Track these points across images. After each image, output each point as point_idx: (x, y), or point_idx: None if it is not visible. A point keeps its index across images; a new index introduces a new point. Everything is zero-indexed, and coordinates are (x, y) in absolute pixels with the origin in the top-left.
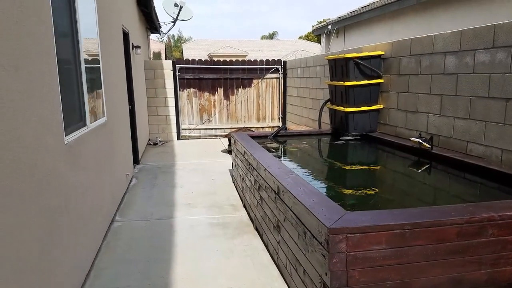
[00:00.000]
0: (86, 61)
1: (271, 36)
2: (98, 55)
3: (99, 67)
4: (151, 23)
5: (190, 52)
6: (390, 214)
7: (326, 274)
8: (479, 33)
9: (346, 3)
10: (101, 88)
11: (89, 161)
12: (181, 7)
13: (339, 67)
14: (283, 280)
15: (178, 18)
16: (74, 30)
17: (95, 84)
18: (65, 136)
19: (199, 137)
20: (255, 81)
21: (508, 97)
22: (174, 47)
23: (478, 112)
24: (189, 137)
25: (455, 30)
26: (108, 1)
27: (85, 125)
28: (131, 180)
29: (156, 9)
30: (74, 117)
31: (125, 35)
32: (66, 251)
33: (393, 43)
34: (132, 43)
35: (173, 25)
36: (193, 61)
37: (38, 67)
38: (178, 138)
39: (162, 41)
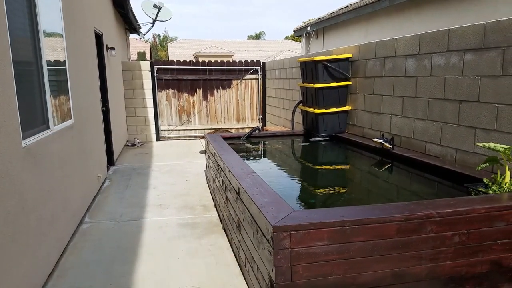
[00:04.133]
0: (50, 63)
1: (258, 36)
2: (64, 57)
3: (65, 69)
4: (129, 24)
5: (176, 52)
6: (333, 212)
7: (272, 270)
8: (436, 37)
9: (332, 4)
10: (68, 90)
11: (53, 164)
12: (160, 8)
13: (309, 70)
14: (243, 278)
15: (157, 19)
16: (35, 32)
17: (61, 86)
18: (23, 139)
19: (178, 138)
20: (234, 82)
21: (461, 99)
22: (159, 47)
23: (435, 113)
24: (168, 138)
25: (414, 34)
26: (76, 5)
27: (48, 128)
28: (104, 182)
29: (134, 9)
30: (34, 120)
31: (98, 37)
32: (24, 252)
33: (360, 46)
34: (107, 45)
35: (152, 26)
36: (171, 62)
37: None
38: (157, 139)
39: (147, 41)
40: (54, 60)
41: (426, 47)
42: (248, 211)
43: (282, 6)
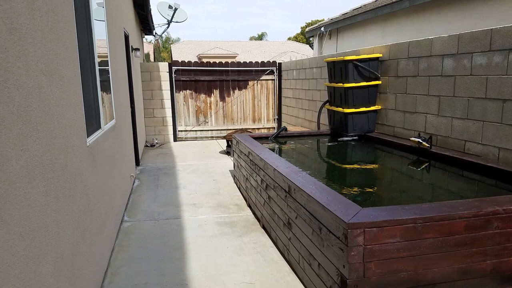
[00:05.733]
0: (98, 63)
1: (260, 37)
2: (107, 57)
3: (108, 69)
4: (145, 25)
5: (179, 53)
6: (402, 209)
7: (344, 266)
8: (476, 37)
9: (333, 6)
10: (110, 91)
11: (104, 163)
12: (175, 9)
13: (338, 69)
14: (295, 275)
15: (173, 20)
16: (89, 32)
17: (106, 86)
18: (87, 138)
19: (195, 138)
20: (250, 83)
21: (505, 98)
22: (162, 48)
23: (475, 112)
24: (186, 139)
25: (453, 33)
26: (113, 5)
27: (99, 127)
28: (134, 182)
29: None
30: (92, 119)
31: (126, 38)
32: (90, 249)
33: (391, 46)
34: (132, 46)
35: (168, 27)
36: (189, 63)
37: (66, 71)
38: (175, 139)
39: (150, 42)
40: (101, 61)
41: (466, 46)
42: (305, 208)
43: (282, 7)
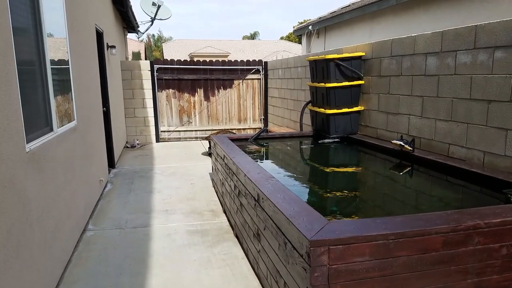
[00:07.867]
0: (53, 62)
1: (253, 37)
2: (67, 55)
3: (68, 68)
4: (128, 22)
5: (171, 52)
6: (373, 223)
7: None
8: (460, 34)
9: (327, 4)
10: (71, 91)
11: (56, 169)
12: (159, 6)
13: (319, 69)
14: None
15: (156, 18)
16: (38, 28)
17: (64, 86)
18: (27, 143)
19: (179, 139)
20: (236, 82)
21: (490, 99)
22: (154, 47)
23: (459, 114)
24: (169, 139)
25: (436, 30)
26: (78, 0)
27: (51, 130)
28: (105, 186)
29: (133, 8)
30: (38, 122)
31: (99, 35)
32: (29, 267)
33: (374, 44)
34: (107, 43)
35: (151, 25)
36: (171, 61)
37: None
38: (157, 140)
39: (142, 41)
40: (57, 59)
41: (450, 44)
42: (272, 220)
43: (276, 6)
